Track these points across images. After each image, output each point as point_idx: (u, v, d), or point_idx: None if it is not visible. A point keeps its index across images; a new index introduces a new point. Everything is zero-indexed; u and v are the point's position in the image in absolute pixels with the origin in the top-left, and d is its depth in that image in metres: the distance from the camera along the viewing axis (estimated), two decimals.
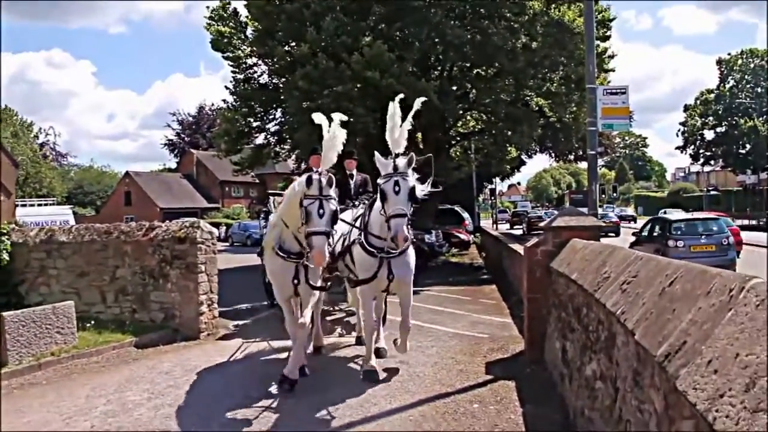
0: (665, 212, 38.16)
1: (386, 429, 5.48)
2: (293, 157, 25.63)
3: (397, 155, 6.56)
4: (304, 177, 6.40)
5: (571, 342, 5.56)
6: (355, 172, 9.02)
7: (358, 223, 7.30)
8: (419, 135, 23.31)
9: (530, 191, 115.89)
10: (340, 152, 8.72)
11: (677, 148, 67.14)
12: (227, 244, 39.14)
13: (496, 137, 23.15)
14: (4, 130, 53.09)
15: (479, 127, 25.84)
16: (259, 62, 22.83)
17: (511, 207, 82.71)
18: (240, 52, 22.67)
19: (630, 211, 48.66)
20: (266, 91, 22.23)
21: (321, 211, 6.15)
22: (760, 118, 58.51)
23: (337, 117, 6.75)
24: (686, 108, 66.12)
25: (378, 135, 19.89)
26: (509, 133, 21.63)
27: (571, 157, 35.43)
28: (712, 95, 63.39)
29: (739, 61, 62.07)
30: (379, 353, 7.82)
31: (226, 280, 11.79)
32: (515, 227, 51.46)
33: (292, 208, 6.49)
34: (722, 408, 1.91)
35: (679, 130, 66.32)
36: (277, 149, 24.86)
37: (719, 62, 63.04)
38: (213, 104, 71.78)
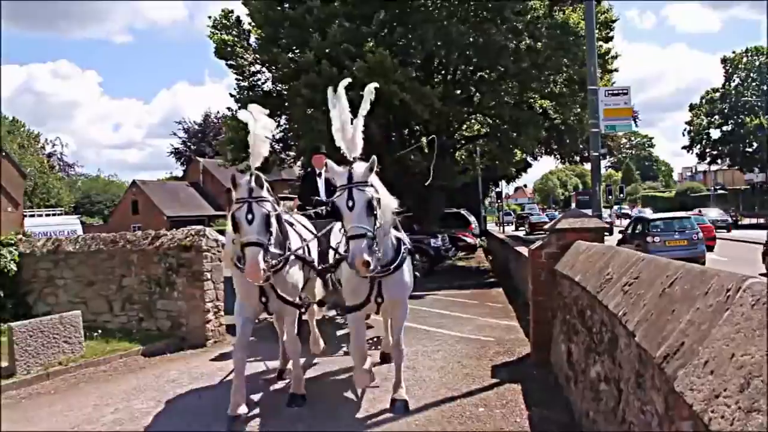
0: (642, 212, 43.20)
1: None
2: (299, 163, 25.71)
3: (354, 160, 5.54)
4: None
5: (576, 344, 5.56)
6: (324, 170, 8.30)
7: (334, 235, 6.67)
8: (424, 140, 23.38)
9: (537, 193, 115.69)
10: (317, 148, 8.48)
11: (683, 147, 66.98)
12: None
13: (502, 140, 23.15)
14: (11, 141, 53.47)
15: (485, 130, 25.89)
16: (263, 69, 22.91)
17: (517, 209, 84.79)
18: (244, 60, 22.75)
19: (649, 212, 47.98)
20: (271, 98, 22.26)
21: (249, 216, 5.45)
22: (767, 116, 58.25)
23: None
24: (692, 107, 65.93)
25: (382, 143, 20.03)
26: (515, 135, 21.66)
27: (577, 158, 35.37)
28: (718, 94, 63.19)
29: (744, 59, 61.87)
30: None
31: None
32: (520, 228, 57.96)
33: None
34: (718, 408, 1.92)
35: (684, 130, 66.21)
36: (283, 156, 24.91)
37: (724, 60, 62.85)
38: (218, 112, 71.90)
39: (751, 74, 61.55)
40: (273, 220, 5.67)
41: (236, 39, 22.54)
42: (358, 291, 5.82)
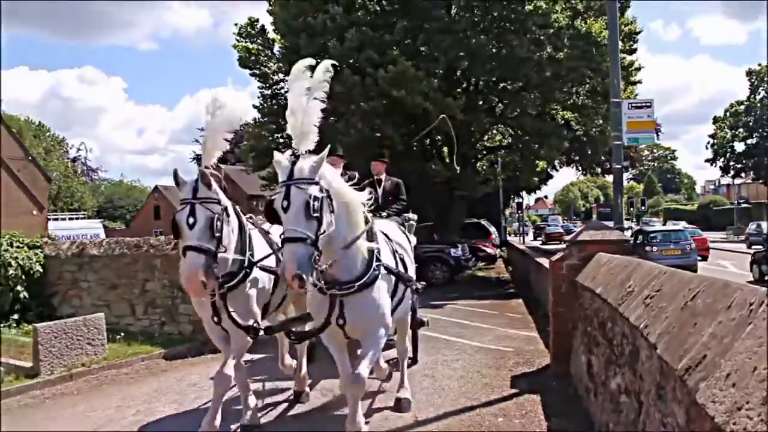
0: (645, 224, 46.30)
1: None
2: None
3: (299, 155, 4.50)
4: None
5: (596, 356, 5.55)
6: (383, 177, 7.89)
7: None
8: (445, 149, 23.46)
9: (557, 204, 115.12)
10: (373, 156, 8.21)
11: (707, 160, 66.38)
12: None
13: (524, 151, 23.17)
14: (37, 146, 54.24)
15: (506, 141, 25.90)
16: (286, 78, 23.06)
17: (537, 220, 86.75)
18: (267, 68, 22.95)
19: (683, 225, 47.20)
20: None
21: (191, 219, 4.80)
22: None
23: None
24: (716, 120, 65.39)
25: (405, 151, 20.10)
26: (537, 146, 21.65)
27: (598, 170, 35.28)
28: (742, 107, 62.65)
29: None
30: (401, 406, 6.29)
31: None
32: (537, 239, 61.28)
33: None
34: (740, 420, 1.93)
35: (708, 143, 65.62)
36: None
37: (749, 73, 62.25)
38: (240, 119, 72.30)
39: None
40: (223, 225, 4.99)
41: (260, 48, 22.76)
42: (321, 311, 4.89)
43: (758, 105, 60.97)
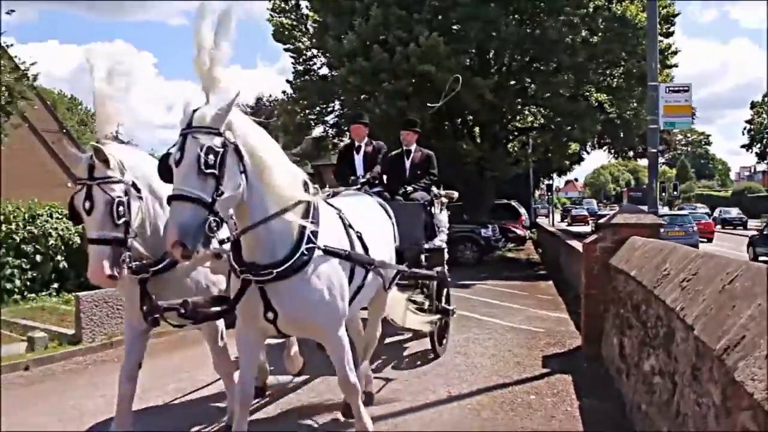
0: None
1: (445, 416, 5.63)
2: None
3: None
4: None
5: (629, 338, 5.62)
6: (413, 147, 7.54)
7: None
8: (477, 129, 23.41)
9: (587, 188, 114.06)
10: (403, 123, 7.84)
11: (742, 146, 65.43)
12: None
13: (556, 132, 23.02)
14: (71, 119, 54.86)
15: (538, 122, 25.74)
16: (318, 54, 23.14)
17: (567, 203, 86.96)
18: (300, 44, 23.03)
19: (736, 212, 46.39)
20: (325, 83, 22.50)
21: (87, 204, 4.08)
22: None
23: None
24: (753, 105, 64.24)
25: (434, 130, 20.06)
26: (569, 128, 21.51)
27: (631, 153, 34.95)
28: None
29: None
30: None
31: None
32: (564, 220, 63.11)
33: None
34: None
35: (744, 128, 64.47)
36: (336, 141, 25.15)
37: None
38: (270, 95, 72.63)
39: None
40: (127, 208, 4.19)
41: (294, 23, 22.82)
42: (247, 301, 4.09)
43: None
